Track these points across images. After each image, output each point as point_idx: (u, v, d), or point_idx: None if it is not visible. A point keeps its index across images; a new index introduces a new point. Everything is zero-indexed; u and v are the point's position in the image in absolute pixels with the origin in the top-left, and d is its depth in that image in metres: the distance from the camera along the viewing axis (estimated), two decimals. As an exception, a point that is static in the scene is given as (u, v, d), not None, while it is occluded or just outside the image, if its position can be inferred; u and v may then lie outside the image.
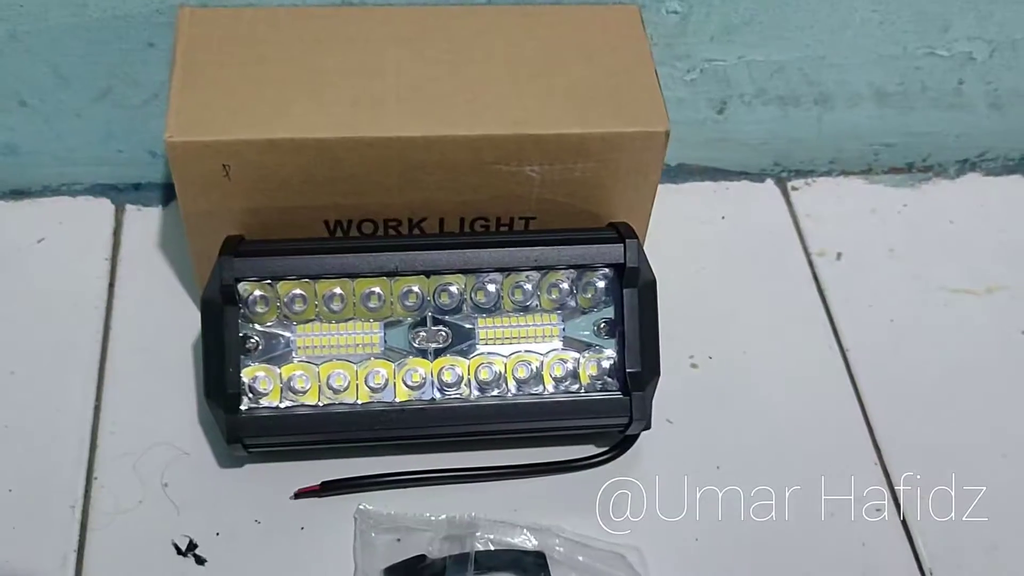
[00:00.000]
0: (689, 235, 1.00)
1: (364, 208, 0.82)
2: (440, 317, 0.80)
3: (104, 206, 1.00)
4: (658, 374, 0.85)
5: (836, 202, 1.07)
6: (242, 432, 0.78)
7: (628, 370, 0.80)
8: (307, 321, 0.79)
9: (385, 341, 0.80)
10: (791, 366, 0.93)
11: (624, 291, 0.81)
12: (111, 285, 0.93)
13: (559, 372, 0.82)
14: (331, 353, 0.80)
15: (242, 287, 0.78)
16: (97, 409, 0.85)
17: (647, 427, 0.85)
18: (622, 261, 0.80)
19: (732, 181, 1.07)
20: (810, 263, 1.01)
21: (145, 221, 0.99)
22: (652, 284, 0.85)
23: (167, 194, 1.01)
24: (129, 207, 1.00)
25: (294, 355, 0.79)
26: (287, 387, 0.79)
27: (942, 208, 1.07)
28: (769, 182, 1.08)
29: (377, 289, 0.79)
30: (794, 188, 1.08)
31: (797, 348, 0.94)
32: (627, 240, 0.81)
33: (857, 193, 1.07)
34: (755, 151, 1.06)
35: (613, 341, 0.82)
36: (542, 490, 0.83)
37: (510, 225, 0.86)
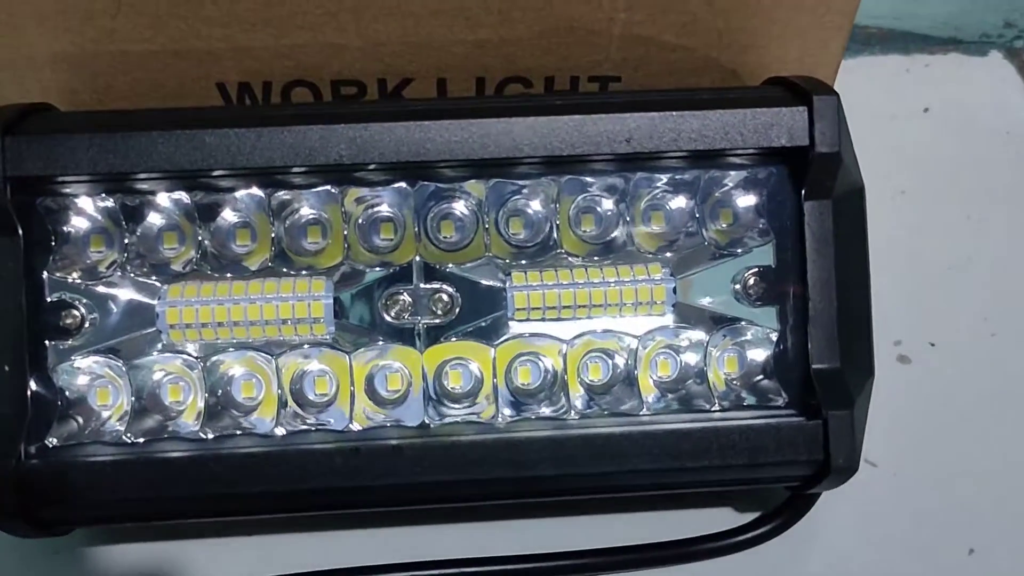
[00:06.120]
0: (873, 139, 0.70)
1: (293, 57, 0.58)
2: (439, 266, 0.55)
3: None
4: (871, 373, 0.54)
5: (1113, 84, 0.86)
6: (32, 497, 0.50)
7: (815, 366, 0.52)
8: (186, 274, 0.55)
9: (337, 312, 0.54)
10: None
11: (805, 206, 0.52)
12: None
13: (667, 371, 0.56)
14: (231, 337, 0.54)
15: (48, 206, 0.52)
16: None
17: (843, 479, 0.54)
18: (805, 142, 0.51)
19: (935, 54, 0.84)
20: (1088, 181, 0.79)
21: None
22: (860, 193, 0.53)
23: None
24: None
25: (161, 340, 0.54)
26: (146, 402, 0.54)
27: None
28: (995, 55, 0.85)
29: (312, 211, 0.54)
30: (1040, 62, 0.89)
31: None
32: (816, 98, 0.51)
33: None
34: (973, 3, 0.85)
35: (774, 310, 0.55)
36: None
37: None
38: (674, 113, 0.50)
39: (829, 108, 0.50)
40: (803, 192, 0.51)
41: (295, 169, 0.50)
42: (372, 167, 0.50)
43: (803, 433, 0.51)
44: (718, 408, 0.54)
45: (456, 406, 0.54)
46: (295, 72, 0.58)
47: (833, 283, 0.51)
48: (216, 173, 0.50)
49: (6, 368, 0.48)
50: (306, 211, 0.53)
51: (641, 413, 0.53)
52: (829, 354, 0.51)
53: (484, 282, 0.54)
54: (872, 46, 0.84)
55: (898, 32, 0.85)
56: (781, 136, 0.50)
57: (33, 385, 0.50)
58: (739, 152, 0.52)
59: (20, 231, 0.49)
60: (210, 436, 0.52)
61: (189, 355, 0.53)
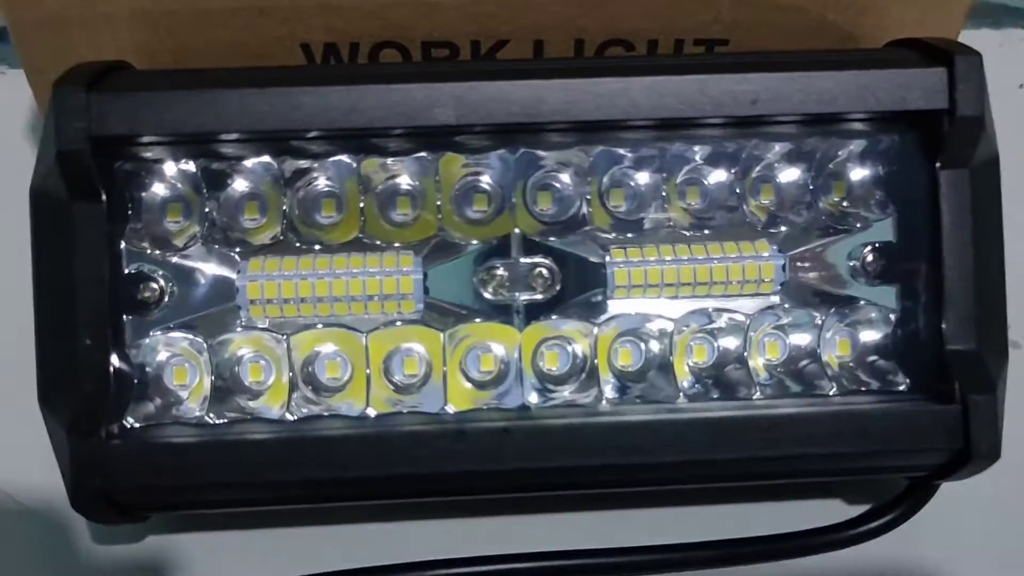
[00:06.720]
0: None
1: (383, 16, 0.54)
2: (538, 239, 0.51)
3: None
4: (1006, 355, 0.50)
5: None
6: (114, 480, 0.47)
7: (950, 347, 0.48)
8: (268, 247, 0.51)
9: (426, 288, 0.51)
10: None
11: (941, 176, 0.48)
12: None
13: (776, 353, 0.53)
14: (314, 314, 0.51)
15: (128, 171, 0.49)
16: None
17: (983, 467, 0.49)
18: (944, 105, 0.47)
19: (1030, 28, 0.82)
20: None
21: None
22: (996, 161, 0.49)
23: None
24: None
25: (241, 317, 0.51)
26: (227, 382, 0.51)
27: None
28: (1093, 30, 0.81)
29: (408, 180, 0.51)
30: None
31: None
32: (958, 57, 0.47)
33: None
34: (1073, -27, 0.81)
35: (894, 289, 0.52)
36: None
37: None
38: (803, 74, 0.46)
39: (973, 69, 0.46)
40: (938, 161, 0.47)
41: (396, 131, 0.46)
42: (478, 129, 0.46)
43: (939, 419, 0.47)
44: (836, 391, 0.50)
45: (558, 388, 0.50)
46: (384, 32, 0.54)
47: (970, 259, 0.47)
48: (311, 135, 0.46)
49: (88, 342, 0.45)
50: (400, 180, 0.49)
51: (754, 397, 0.50)
52: (965, 335, 0.47)
53: (584, 257, 0.50)
54: (966, 18, 0.77)
55: (990, 5, 0.79)
56: (917, 99, 0.46)
57: (115, 360, 0.46)
58: (869, 116, 0.48)
59: (103, 197, 0.45)
60: (295, 418, 0.48)
61: (271, 332, 0.50)
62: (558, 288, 0.50)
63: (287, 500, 0.49)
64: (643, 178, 0.51)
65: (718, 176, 0.51)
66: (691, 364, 0.51)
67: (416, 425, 0.47)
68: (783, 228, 0.51)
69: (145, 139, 0.46)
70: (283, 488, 0.47)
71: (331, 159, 0.48)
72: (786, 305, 0.51)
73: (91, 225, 0.45)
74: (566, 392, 0.50)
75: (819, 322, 0.51)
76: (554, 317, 0.50)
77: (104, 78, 0.46)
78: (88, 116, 0.45)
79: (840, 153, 0.50)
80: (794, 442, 0.47)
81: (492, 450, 0.46)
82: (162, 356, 0.49)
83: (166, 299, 0.49)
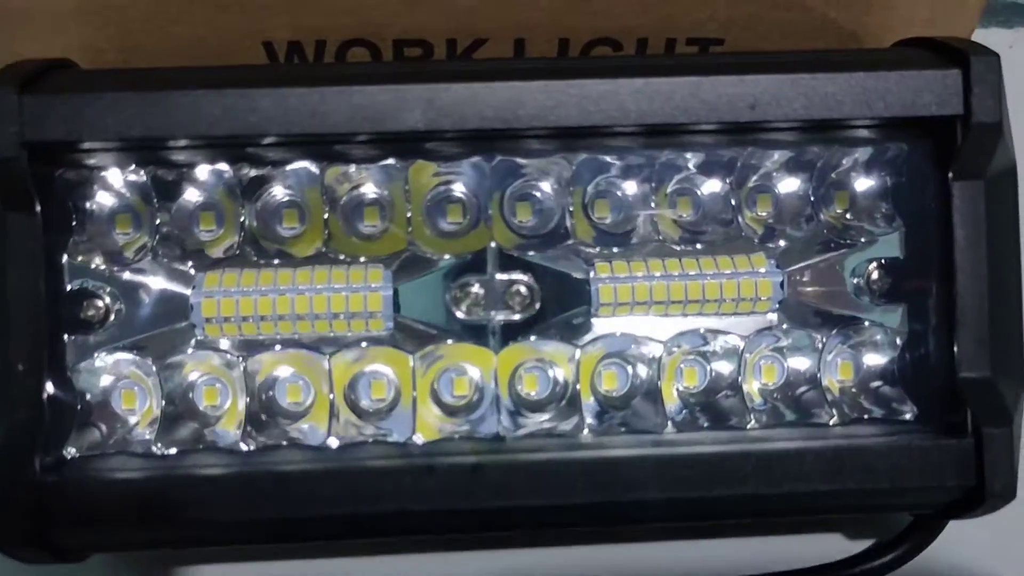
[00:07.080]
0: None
1: (357, 12, 0.52)
2: (516, 254, 0.50)
3: None
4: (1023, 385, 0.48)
5: None
6: (48, 517, 0.44)
7: (964, 375, 0.47)
8: (224, 260, 0.50)
9: (396, 305, 0.49)
10: None
11: (954, 187, 0.47)
12: None
13: (773, 378, 0.51)
14: (275, 332, 0.49)
15: (69, 179, 0.47)
16: None
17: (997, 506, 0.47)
18: (959, 111, 0.46)
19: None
20: None
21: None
22: (1013, 172, 0.48)
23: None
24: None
25: (195, 335, 0.49)
26: (178, 407, 0.49)
27: None
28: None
29: (374, 189, 0.49)
30: None
31: None
32: (974, 58, 0.45)
33: None
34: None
35: (901, 309, 0.50)
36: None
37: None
38: (805, 76, 0.44)
39: (991, 72, 0.44)
40: (951, 171, 0.45)
41: (361, 137, 0.44)
42: (450, 135, 0.44)
43: (949, 453, 0.45)
44: (836, 420, 0.48)
45: (536, 415, 0.48)
46: (355, 30, 0.52)
47: (985, 278, 0.45)
48: (269, 140, 0.44)
49: (20, 367, 0.42)
50: (366, 189, 0.47)
51: (748, 426, 0.48)
52: (979, 361, 0.45)
53: (566, 273, 0.48)
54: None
55: (1000, 4, 0.76)
56: (929, 103, 0.44)
57: (50, 387, 0.43)
58: (876, 122, 0.46)
59: (39, 207, 0.43)
60: (252, 448, 0.46)
61: (227, 353, 0.47)
62: (537, 306, 0.48)
63: (240, 539, 0.46)
64: (630, 188, 0.49)
65: (712, 186, 0.49)
66: (680, 389, 0.49)
67: (381, 459, 0.45)
68: (782, 242, 0.49)
69: (87, 145, 0.44)
70: (236, 528, 0.45)
71: (291, 167, 0.46)
72: (784, 325, 0.49)
73: (24, 238, 0.43)
74: (544, 419, 0.48)
75: (820, 344, 0.49)
76: (533, 338, 0.48)
77: (42, 78, 0.43)
78: (20, 119, 0.42)
79: (844, 162, 0.48)
80: (791, 479, 0.45)
81: (463, 488, 0.44)
82: (107, 380, 0.47)
83: (112, 317, 0.47)
